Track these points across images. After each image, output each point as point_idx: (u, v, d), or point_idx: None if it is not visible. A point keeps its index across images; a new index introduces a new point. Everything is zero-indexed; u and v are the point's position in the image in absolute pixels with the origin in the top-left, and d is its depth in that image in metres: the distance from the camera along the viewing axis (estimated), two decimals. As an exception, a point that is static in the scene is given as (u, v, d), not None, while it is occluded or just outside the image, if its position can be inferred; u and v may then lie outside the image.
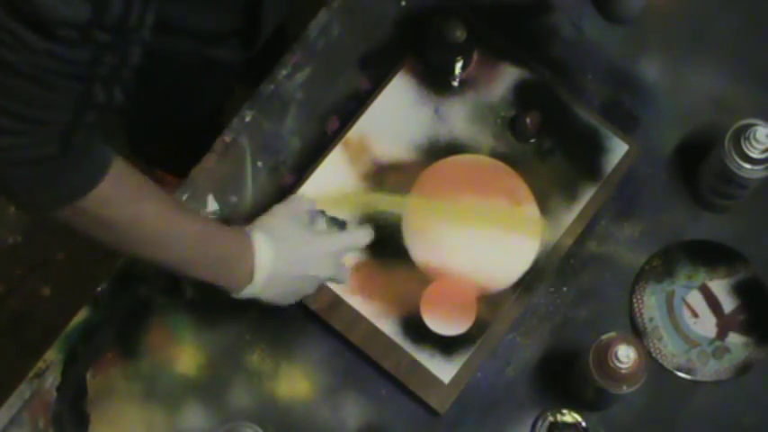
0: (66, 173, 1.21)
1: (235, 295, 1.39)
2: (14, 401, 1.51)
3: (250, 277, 1.38)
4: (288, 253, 1.40)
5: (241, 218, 1.57)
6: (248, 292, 1.39)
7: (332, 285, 1.52)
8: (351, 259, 1.51)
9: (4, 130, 1.13)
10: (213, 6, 1.43)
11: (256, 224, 1.41)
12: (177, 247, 1.35)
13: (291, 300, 1.44)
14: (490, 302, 1.53)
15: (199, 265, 1.37)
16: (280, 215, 1.42)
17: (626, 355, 1.39)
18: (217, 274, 1.37)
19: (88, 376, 1.52)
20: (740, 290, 1.56)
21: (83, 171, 1.23)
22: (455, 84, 1.61)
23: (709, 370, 1.53)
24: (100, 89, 1.14)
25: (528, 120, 1.58)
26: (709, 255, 1.57)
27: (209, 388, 1.52)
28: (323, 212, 1.47)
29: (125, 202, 1.28)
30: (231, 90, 1.98)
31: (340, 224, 1.49)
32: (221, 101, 1.97)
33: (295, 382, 1.53)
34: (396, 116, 1.59)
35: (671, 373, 1.53)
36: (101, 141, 1.24)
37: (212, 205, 1.58)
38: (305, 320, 1.53)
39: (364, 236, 1.47)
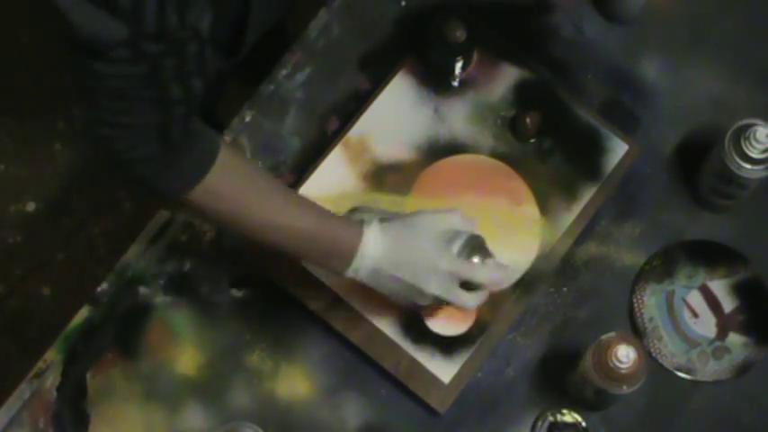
0: (176, 166, 1.30)
1: (341, 274, 1.41)
2: (14, 401, 1.51)
3: (354, 265, 1.40)
4: (396, 256, 1.40)
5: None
6: (353, 275, 1.41)
7: (332, 285, 1.52)
8: (478, 296, 1.44)
9: (109, 138, 1.24)
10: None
11: (386, 218, 1.42)
12: (283, 236, 1.38)
13: (404, 302, 1.43)
14: (490, 302, 1.53)
15: (305, 252, 1.42)
16: (415, 220, 1.42)
17: (626, 355, 1.39)
18: (323, 261, 1.41)
19: (88, 376, 1.52)
20: (740, 290, 1.56)
21: (190, 162, 1.32)
22: (455, 84, 1.61)
23: (709, 370, 1.53)
24: (176, 88, 1.21)
25: (528, 120, 1.58)
26: (710, 255, 1.57)
27: (209, 388, 1.52)
28: (477, 237, 1.43)
29: (232, 193, 1.35)
30: (222, 91, 1.98)
31: (482, 252, 1.43)
32: (212, 102, 1.97)
33: (295, 382, 1.53)
34: (396, 116, 1.59)
35: (671, 373, 1.53)
36: (203, 131, 1.32)
37: (212, 205, 1.58)
38: (305, 320, 1.53)
39: (490, 276, 1.42)
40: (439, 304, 1.44)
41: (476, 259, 1.41)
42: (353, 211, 1.46)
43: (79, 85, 1.20)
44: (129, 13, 1.12)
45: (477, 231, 1.44)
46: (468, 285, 1.42)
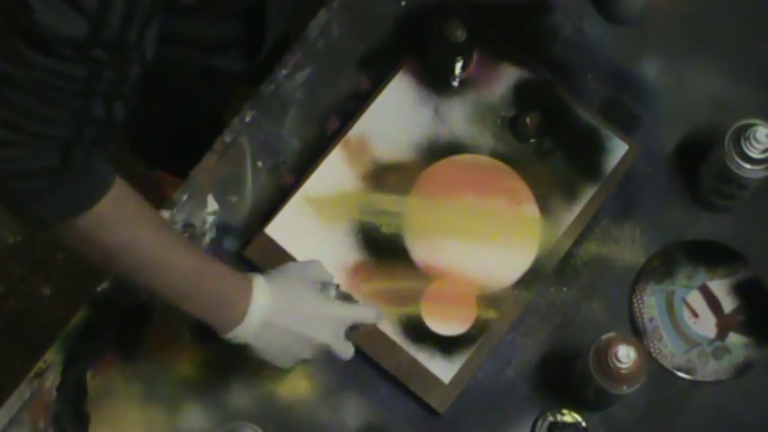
0: (66, 188, 1.21)
1: (224, 336, 1.34)
2: (14, 401, 1.51)
3: (242, 320, 1.33)
4: (287, 305, 1.35)
5: (241, 217, 1.57)
6: (239, 335, 1.33)
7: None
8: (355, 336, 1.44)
9: (5, 142, 1.14)
10: (214, 17, 1.43)
11: (264, 273, 1.37)
12: (170, 278, 1.31)
13: (285, 361, 1.37)
14: (490, 302, 1.53)
15: (191, 300, 1.32)
16: (290, 271, 1.38)
17: (626, 355, 1.39)
18: (208, 312, 1.33)
19: (88, 376, 1.52)
20: (740, 290, 1.56)
21: (83, 188, 1.23)
22: (455, 84, 1.61)
23: (710, 370, 1.53)
24: (99, 105, 1.15)
25: (528, 120, 1.58)
26: (710, 255, 1.57)
27: (209, 388, 1.52)
28: (337, 286, 1.44)
29: (123, 225, 1.27)
30: (231, 93, 1.98)
31: (350, 299, 1.46)
32: (222, 104, 1.97)
33: (295, 382, 1.52)
34: (396, 116, 1.59)
35: (671, 373, 1.53)
36: (103, 159, 1.24)
37: (212, 205, 1.58)
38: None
39: (371, 313, 1.41)
40: (316, 358, 1.39)
41: (363, 305, 1.44)
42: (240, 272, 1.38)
43: None
44: (95, 15, 1.07)
45: (334, 280, 1.43)
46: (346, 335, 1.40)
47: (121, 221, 1.27)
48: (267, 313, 1.34)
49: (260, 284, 1.34)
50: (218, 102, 1.92)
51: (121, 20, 1.09)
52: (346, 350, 1.39)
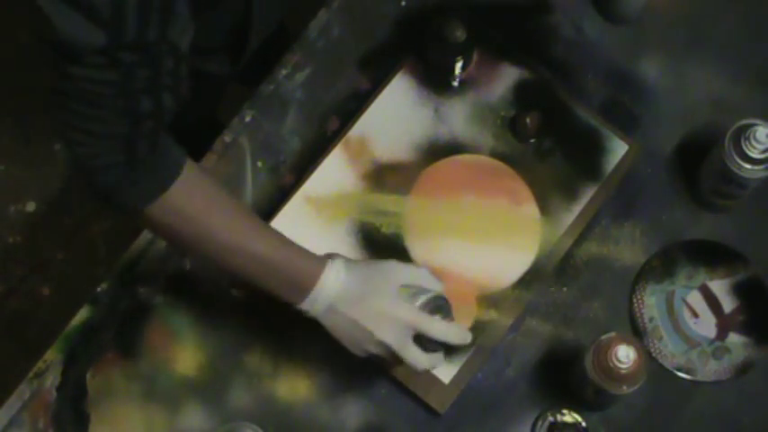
0: (139, 179, 1.28)
1: (296, 308, 1.38)
2: (14, 401, 1.51)
3: (311, 297, 1.37)
4: (357, 296, 1.36)
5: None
6: (306, 310, 1.37)
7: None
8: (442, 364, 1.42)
9: (79, 143, 1.24)
10: (199, 21, 1.44)
11: (350, 259, 1.39)
12: (245, 261, 1.35)
13: (354, 348, 1.39)
14: (490, 302, 1.53)
15: (262, 281, 1.37)
16: (379, 265, 1.39)
17: (626, 355, 1.39)
18: (280, 291, 1.37)
19: (88, 376, 1.52)
20: (740, 290, 1.56)
21: (153, 178, 1.29)
22: (455, 84, 1.61)
23: (710, 370, 1.53)
24: (146, 100, 1.20)
25: (528, 120, 1.58)
26: (710, 255, 1.57)
27: (209, 388, 1.52)
28: (443, 298, 1.40)
29: (194, 212, 1.33)
30: (222, 94, 1.98)
31: (445, 312, 1.40)
32: (213, 104, 1.97)
33: (295, 382, 1.53)
34: (396, 116, 1.59)
35: (671, 373, 1.53)
36: (170, 147, 1.30)
37: (212, 205, 1.58)
38: (305, 321, 1.53)
39: (453, 332, 1.38)
40: (389, 358, 1.38)
41: (437, 317, 1.38)
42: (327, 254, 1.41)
43: (53, 86, 1.20)
44: (110, 22, 1.11)
45: (443, 293, 1.40)
46: (422, 343, 1.38)
47: (192, 209, 1.33)
48: (333, 298, 1.36)
49: (335, 269, 1.37)
50: (211, 102, 1.92)
51: (137, 22, 1.12)
52: (414, 359, 1.38)
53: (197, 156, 1.59)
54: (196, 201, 1.33)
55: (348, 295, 1.36)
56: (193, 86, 1.70)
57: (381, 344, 1.37)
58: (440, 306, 1.39)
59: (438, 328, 1.37)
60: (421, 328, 1.37)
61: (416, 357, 1.38)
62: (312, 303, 1.37)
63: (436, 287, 1.40)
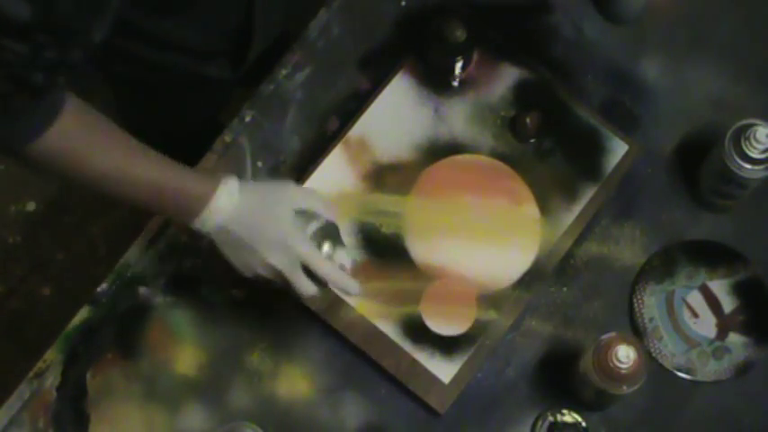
0: (13, 121, 1.27)
1: (189, 226, 1.39)
2: (14, 401, 1.51)
3: (202, 216, 1.38)
4: (248, 215, 1.38)
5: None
6: (198, 228, 1.39)
7: (334, 288, 1.52)
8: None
9: None
10: (200, 25, 1.45)
11: (244, 181, 1.40)
12: (132, 190, 1.36)
13: (243, 268, 1.40)
14: (490, 302, 1.53)
15: (154, 205, 1.39)
16: (273, 186, 1.41)
17: (626, 355, 1.39)
18: (172, 212, 1.40)
19: (88, 376, 1.52)
20: (740, 290, 1.56)
21: (29, 119, 1.28)
22: (455, 84, 1.61)
23: (710, 370, 1.53)
24: (39, 75, 1.20)
25: (528, 120, 1.58)
26: (710, 255, 1.57)
27: (209, 388, 1.52)
28: (333, 225, 1.42)
29: (73, 150, 1.33)
30: (227, 96, 1.99)
31: (335, 241, 1.43)
32: (217, 107, 1.97)
33: (295, 382, 1.53)
34: (396, 116, 1.59)
35: (671, 373, 1.53)
36: (50, 90, 1.27)
37: (212, 205, 1.58)
38: (305, 320, 1.53)
39: (338, 277, 1.40)
40: (277, 280, 1.40)
41: (326, 246, 1.41)
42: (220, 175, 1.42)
43: None
44: (39, 0, 1.12)
45: (334, 219, 1.42)
46: (311, 274, 1.40)
47: (71, 146, 1.32)
48: (225, 218, 1.37)
49: (227, 189, 1.37)
50: (215, 104, 1.93)
51: (69, 8, 1.14)
52: (303, 287, 1.39)
53: (197, 156, 1.59)
54: (75, 138, 1.32)
55: (241, 216, 1.38)
56: (195, 90, 1.71)
57: (271, 267, 1.38)
58: (330, 233, 1.41)
59: (325, 269, 1.39)
60: (308, 262, 1.38)
61: (304, 285, 1.39)
62: (204, 222, 1.38)
63: (328, 213, 1.41)
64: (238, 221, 1.38)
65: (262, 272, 1.39)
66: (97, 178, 1.35)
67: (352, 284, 1.41)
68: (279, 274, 1.38)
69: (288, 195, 1.40)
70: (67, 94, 1.31)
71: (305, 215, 1.40)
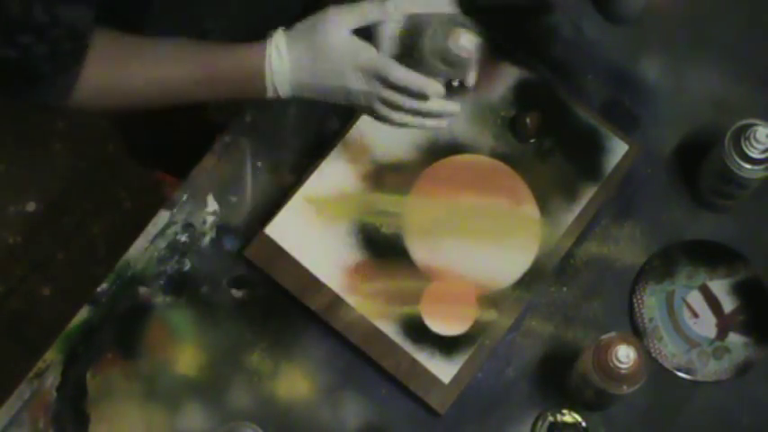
0: (42, 82, 1.31)
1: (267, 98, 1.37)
2: (14, 401, 1.51)
3: (268, 86, 1.36)
4: (309, 61, 1.34)
5: (241, 217, 1.57)
6: (275, 97, 1.37)
7: (332, 285, 1.52)
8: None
9: None
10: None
11: (290, 28, 1.36)
12: (184, 90, 1.36)
13: (340, 101, 1.37)
14: (490, 302, 1.53)
15: (218, 94, 1.37)
16: (317, 20, 1.34)
17: (626, 355, 1.39)
18: (240, 94, 1.37)
19: (88, 376, 1.52)
20: (740, 290, 1.56)
21: (55, 79, 1.31)
22: (455, 84, 1.61)
23: (710, 370, 1.53)
24: (46, 65, 1.26)
25: (528, 120, 1.58)
26: (710, 255, 1.57)
27: (209, 388, 1.52)
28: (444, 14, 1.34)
29: (116, 82, 1.34)
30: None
31: (464, 24, 1.32)
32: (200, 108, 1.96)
33: (295, 382, 1.52)
34: (396, 116, 1.59)
35: (671, 373, 1.53)
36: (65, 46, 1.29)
37: (212, 205, 1.58)
38: (305, 320, 1.54)
39: (414, 78, 1.34)
40: (373, 111, 1.37)
41: (463, 32, 1.31)
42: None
43: None
44: None
45: (388, 18, 1.34)
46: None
47: (112, 80, 1.34)
48: (289, 77, 1.35)
49: (275, 48, 1.34)
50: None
51: (19, 5, 1.18)
52: (392, 99, 1.35)
53: (197, 156, 1.59)
54: (108, 76, 1.34)
55: (301, 65, 1.34)
56: None
57: (359, 94, 1.35)
58: (451, 20, 1.33)
59: (398, 73, 1.33)
60: (379, 69, 1.33)
61: (393, 98, 1.35)
62: (275, 91, 1.36)
63: (383, 16, 1.34)
64: (302, 71, 1.35)
65: (358, 102, 1.36)
66: (147, 92, 1.35)
67: (433, 85, 1.36)
68: (370, 99, 1.35)
69: (332, 20, 1.34)
70: (86, 42, 1.31)
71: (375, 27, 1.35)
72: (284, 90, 1.36)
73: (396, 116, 1.38)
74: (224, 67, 1.36)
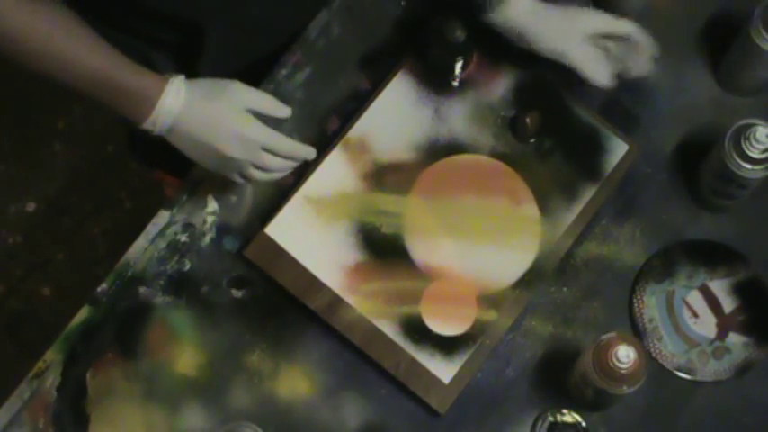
0: None
1: (139, 126, 1.40)
2: (14, 401, 1.51)
3: (152, 117, 1.38)
4: (199, 114, 1.39)
5: (241, 217, 1.57)
6: (150, 129, 1.40)
7: (332, 285, 1.52)
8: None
9: None
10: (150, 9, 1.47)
11: (192, 79, 1.41)
12: (78, 72, 1.37)
13: (205, 164, 1.43)
14: (490, 302, 1.53)
15: (99, 97, 1.39)
16: (224, 87, 1.41)
17: (626, 355, 1.39)
18: (119, 106, 1.39)
19: (88, 376, 1.52)
20: (740, 290, 1.56)
21: None
22: (455, 84, 1.61)
23: (709, 370, 1.53)
24: None
25: (528, 120, 1.58)
26: (710, 255, 1.57)
27: (209, 388, 1.52)
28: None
29: (17, 14, 1.34)
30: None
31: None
32: None
33: (295, 382, 1.53)
34: (396, 116, 1.59)
35: (671, 373, 1.53)
36: None
37: (212, 205, 1.58)
38: (305, 320, 1.54)
39: (298, 147, 1.45)
40: (241, 170, 1.43)
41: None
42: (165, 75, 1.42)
43: None
44: None
45: (286, 116, 1.46)
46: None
47: (12, 23, 1.34)
48: (175, 117, 1.39)
49: (175, 87, 1.39)
50: None
51: None
52: (266, 163, 1.43)
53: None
54: (12, 17, 1.33)
55: (192, 114, 1.39)
56: None
57: (232, 161, 1.41)
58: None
59: (286, 144, 1.43)
60: (269, 145, 1.42)
61: (268, 162, 1.43)
62: (154, 124, 1.39)
63: (279, 112, 1.45)
64: (189, 119, 1.39)
65: (227, 170, 1.43)
66: (39, 60, 1.36)
67: (311, 150, 1.46)
68: (239, 166, 1.41)
69: (238, 93, 1.42)
70: None
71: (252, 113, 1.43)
72: (162, 127, 1.40)
73: (265, 175, 1.46)
74: (123, 77, 1.38)
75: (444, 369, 1.51)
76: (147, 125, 1.39)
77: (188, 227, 1.57)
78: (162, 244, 1.56)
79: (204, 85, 1.42)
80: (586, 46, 1.50)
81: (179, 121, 1.39)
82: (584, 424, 1.48)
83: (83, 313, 1.54)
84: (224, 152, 1.41)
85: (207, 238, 1.57)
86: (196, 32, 1.50)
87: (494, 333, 1.52)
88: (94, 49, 1.38)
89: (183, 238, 1.57)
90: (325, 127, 1.61)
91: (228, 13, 1.50)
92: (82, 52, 1.37)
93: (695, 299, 1.55)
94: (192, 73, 1.49)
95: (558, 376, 1.52)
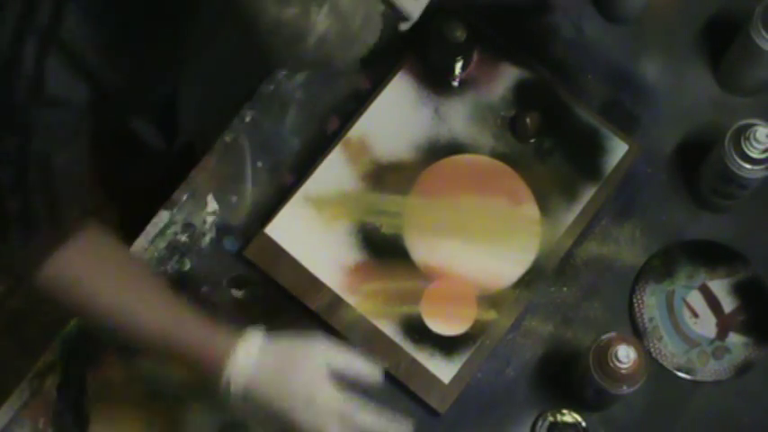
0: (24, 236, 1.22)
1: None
2: (14, 401, 1.51)
3: (222, 382, 1.27)
4: (272, 378, 1.26)
5: (241, 217, 1.57)
6: (224, 390, 1.27)
7: (332, 285, 1.52)
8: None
9: None
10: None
11: (268, 332, 1.28)
12: (137, 329, 1.29)
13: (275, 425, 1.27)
14: (490, 302, 1.53)
15: (166, 351, 1.30)
16: (302, 342, 1.28)
17: (626, 355, 1.39)
18: (191, 364, 1.29)
19: (88, 376, 1.52)
20: (740, 290, 1.56)
21: (39, 236, 1.23)
22: (455, 84, 1.61)
23: (710, 370, 1.53)
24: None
25: (528, 120, 1.58)
26: (710, 255, 1.57)
27: (208, 388, 1.52)
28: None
29: (82, 271, 1.27)
30: (162, 170, 1.91)
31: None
32: (153, 179, 1.89)
33: (295, 382, 1.52)
34: (396, 116, 1.59)
35: (671, 373, 1.53)
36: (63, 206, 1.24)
37: (212, 205, 1.58)
38: (305, 320, 1.53)
39: (383, 424, 1.27)
40: None
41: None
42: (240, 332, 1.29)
43: None
44: None
45: (379, 380, 1.30)
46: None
47: (81, 268, 1.27)
48: (246, 382, 1.26)
49: (244, 347, 1.27)
50: (151, 175, 1.67)
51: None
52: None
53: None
54: (81, 267, 1.26)
55: (263, 378, 1.26)
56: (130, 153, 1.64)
57: (302, 427, 1.25)
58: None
59: (365, 417, 1.27)
60: (345, 416, 1.26)
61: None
62: (227, 382, 1.27)
63: (370, 373, 1.29)
64: (260, 383, 1.25)
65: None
66: (104, 314, 1.28)
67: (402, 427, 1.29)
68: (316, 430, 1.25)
69: (318, 349, 1.28)
70: (78, 220, 1.26)
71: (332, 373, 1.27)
72: (239, 391, 1.26)
73: None
74: (184, 334, 1.27)
75: (444, 369, 1.51)
76: (223, 386, 1.26)
77: (188, 227, 1.57)
78: (162, 244, 1.56)
79: (284, 343, 1.26)
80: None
81: (249, 386, 1.25)
82: (584, 424, 1.48)
83: (83, 313, 1.54)
84: (296, 418, 1.24)
85: (207, 238, 1.57)
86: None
87: (494, 333, 1.52)
88: (160, 301, 1.28)
89: (183, 238, 1.57)
90: (325, 127, 1.61)
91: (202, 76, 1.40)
92: (150, 306, 1.27)
93: (695, 299, 1.55)
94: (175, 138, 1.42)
95: (557, 376, 1.52)
